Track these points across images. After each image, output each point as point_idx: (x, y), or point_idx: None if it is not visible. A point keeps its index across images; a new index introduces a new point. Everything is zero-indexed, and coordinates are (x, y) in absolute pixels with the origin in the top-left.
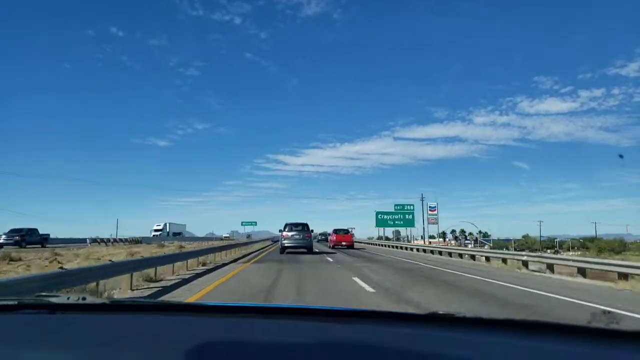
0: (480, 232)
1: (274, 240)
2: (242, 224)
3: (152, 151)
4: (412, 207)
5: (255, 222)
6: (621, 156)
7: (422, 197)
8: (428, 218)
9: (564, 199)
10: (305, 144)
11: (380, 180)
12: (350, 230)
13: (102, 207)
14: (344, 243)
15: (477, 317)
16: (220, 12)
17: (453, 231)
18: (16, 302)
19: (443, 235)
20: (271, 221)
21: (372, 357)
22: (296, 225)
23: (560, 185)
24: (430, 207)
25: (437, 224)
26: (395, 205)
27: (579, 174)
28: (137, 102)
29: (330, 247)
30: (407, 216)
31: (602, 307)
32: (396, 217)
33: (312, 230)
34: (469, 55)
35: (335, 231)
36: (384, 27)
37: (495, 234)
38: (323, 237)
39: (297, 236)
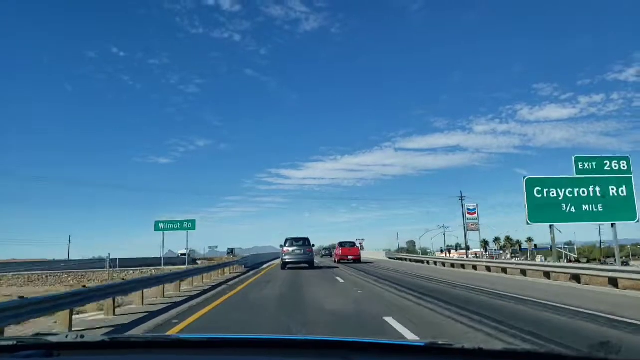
0: (528, 239)
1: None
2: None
3: (153, 169)
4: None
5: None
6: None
7: (461, 197)
8: (467, 223)
9: None
10: (306, 157)
11: (382, 192)
12: (359, 242)
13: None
14: (350, 257)
15: (477, 348)
16: (219, 30)
17: (497, 240)
18: (15, 343)
19: (485, 244)
20: (274, 236)
21: None
22: (297, 240)
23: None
24: (469, 209)
25: (478, 230)
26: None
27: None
28: (138, 121)
29: (335, 261)
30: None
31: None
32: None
33: (314, 245)
34: (468, 64)
35: (341, 244)
36: (382, 39)
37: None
38: (327, 252)
39: (298, 251)
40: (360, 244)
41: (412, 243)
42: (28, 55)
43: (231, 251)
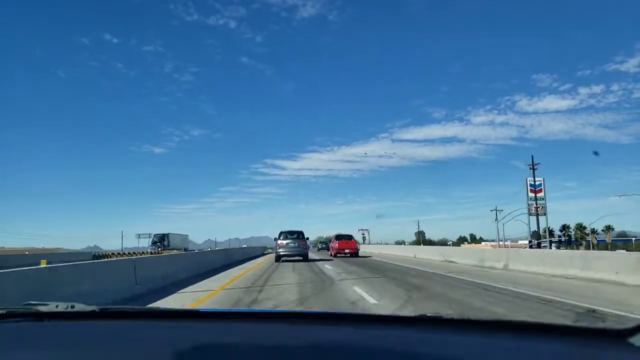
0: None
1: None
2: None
3: (148, 159)
4: None
5: None
6: (596, 153)
7: (532, 165)
8: (529, 205)
9: (563, 197)
10: (302, 147)
11: (378, 183)
12: (362, 232)
13: (100, 218)
14: (347, 251)
15: (465, 318)
16: (215, 17)
17: (565, 227)
18: (4, 312)
19: (550, 233)
20: (269, 227)
21: (363, 358)
22: (291, 233)
23: (560, 183)
24: (532, 185)
25: (545, 214)
26: None
27: (577, 171)
28: (132, 109)
29: (331, 255)
30: None
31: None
32: None
33: (308, 238)
34: (467, 54)
35: (338, 237)
36: (380, 28)
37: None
38: (323, 246)
39: (292, 244)
40: (363, 234)
41: (421, 234)
42: (20, 42)
43: (159, 240)
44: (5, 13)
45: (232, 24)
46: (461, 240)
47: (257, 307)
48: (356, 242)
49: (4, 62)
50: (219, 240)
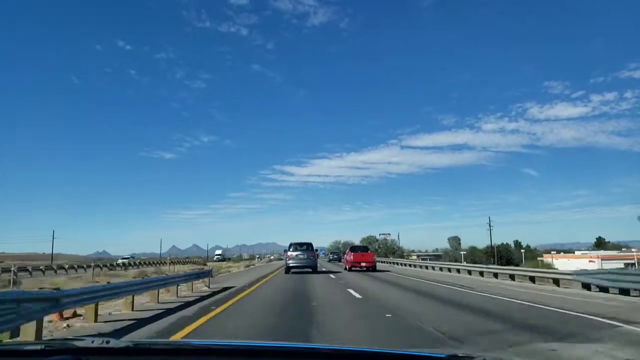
0: None
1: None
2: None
3: (159, 164)
4: None
5: None
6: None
7: None
8: None
9: (572, 205)
10: (311, 154)
11: (387, 190)
12: (384, 237)
13: (109, 224)
14: (363, 264)
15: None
16: (227, 24)
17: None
18: (43, 347)
19: None
20: (277, 233)
21: None
22: (300, 245)
23: (569, 192)
24: None
25: None
26: None
27: (588, 180)
28: (144, 115)
29: (346, 269)
30: None
31: None
32: None
33: (317, 250)
34: (478, 61)
35: (352, 249)
36: (391, 35)
37: (483, 242)
38: (335, 257)
39: (302, 256)
40: (385, 239)
41: (455, 239)
42: (35, 48)
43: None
44: (20, 19)
45: (244, 31)
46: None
47: None
48: (373, 254)
49: (17, 67)
50: (225, 246)
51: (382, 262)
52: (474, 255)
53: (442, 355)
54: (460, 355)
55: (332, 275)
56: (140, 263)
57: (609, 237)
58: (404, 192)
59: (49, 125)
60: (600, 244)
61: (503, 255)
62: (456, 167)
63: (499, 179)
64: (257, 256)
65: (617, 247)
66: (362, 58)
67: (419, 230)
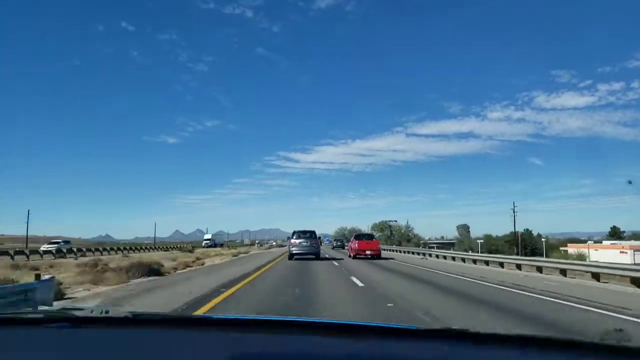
0: None
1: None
2: None
3: (162, 149)
4: None
5: None
6: (630, 182)
7: None
8: None
9: (578, 195)
10: (316, 140)
11: (391, 178)
12: (392, 222)
13: (112, 207)
14: (368, 252)
15: (492, 333)
16: (231, 5)
17: None
18: (42, 316)
19: None
20: (281, 219)
21: None
22: (304, 232)
23: (575, 181)
24: None
25: None
26: None
27: (594, 169)
28: (147, 98)
29: (350, 256)
30: None
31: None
32: None
33: (320, 237)
34: (485, 49)
35: (357, 237)
36: (397, 20)
37: (493, 231)
38: (339, 244)
39: (305, 243)
40: (393, 222)
41: (465, 227)
42: (35, 29)
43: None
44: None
45: (249, 14)
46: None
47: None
48: (378, 242)
49: (18, 51)
50: (230, 232)
51: (397, 251)
52: (489, 244)
53: (438, 328)
54: (455, 328)
55: (335, 263)
56: (76, 250)
57: (612, 226)
58: (409, 180)
59: (51, 109)
60: (615, 233)
61: (527, 244)
62: (461, 155)
63: (504, 168)
64: (257, 242)
65: (637, 236)
66: (368, 43)
67: (423, 218)
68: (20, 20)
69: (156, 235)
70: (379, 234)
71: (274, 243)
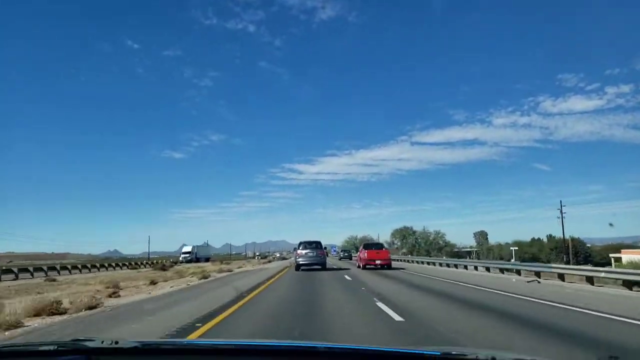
0: None
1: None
2: None
3: (168, 164)
4: None
5: None
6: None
7: None
8: None
9: (585, 201)
10: (320, 151)
11: (397, 187)
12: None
13: (120, 223)
14: (378, 262)
15: (491, 358)
16: (234, 21)
17: None
18: (55, 347)
19: None
20: (287, 231)
21: None
22: (310, 243)
23: (583, 186)
24: None
25: None
26: None
27: (602, 174)
28: (152, 114)
29: (359, 267)
30: None
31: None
32: None
33: (325, 248)
34: (489, 54)
35: (366, 246)
36: (400, 29)
37: (508, 238)
38: (346, 255)
39: (311, 254)
40: (427, 231)
41: (482, 234)
42: (41, 48)
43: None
44: (28, 17)
45: (251, 28)
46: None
47: None
48: (388, 252)
49: (23, 67)
50: (235, 244)
51: (411, 261)
52: (522, 251)
53: (437, 353)
54: (454, 353)
55: (347, 277)
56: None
57: (623, 232)
58: (414, 189)
59: (57, 126)
60: None
61: (579, 251)
62: (467, 162)
63: (511, 175)
64: (258, 254)
65: None
66: (371, 52)
67: (431, 228)
68: (23, 39)
69: (163, 249)
70: (398, 242)
71: (278, 255)
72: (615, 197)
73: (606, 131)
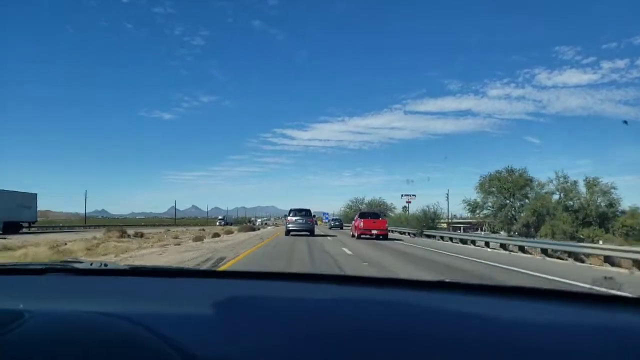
0: None
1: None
2: None
3: (157, 125)
4: None
5: None
6: (625, 122)
7: None
8: None
9: (573, 175)
10: (313, 117)
11: (388, 156)
12: (408, 199)
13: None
14: (374, 232)
15: (483, 284)
16: None
17: None
18: (44, 267)
19: None
20: (277, 196)
21: (392, 315)
22: (299, 210)
23: (571, 161)
24: None
25: None
26: None
27: (591, 149)
28: (142, 72)
29: (353, 236)
30: None
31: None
32: None
33: (314, 215)
34: (486, 24)
35: (362, 215)
36: None
37: None
38: (337, 224)
39: (301, 221)
40: (408, 202)
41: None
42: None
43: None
44: None
45: None
46: None
47: None
48: (385, 221)
49: (10, 24)
50: (225, 208)
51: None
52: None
53: (433, 280)
54: (447, 281)
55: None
56: None
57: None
58: (405, 158)
59: (45, 83)
60: None
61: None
62: (459, 133)
63: (501, 147)
64: (221, 219)
65: None
66: (367, 16)
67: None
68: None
69: (152, 211)
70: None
71: (259, 222)
72: (603, 172)
73: (598, 106)
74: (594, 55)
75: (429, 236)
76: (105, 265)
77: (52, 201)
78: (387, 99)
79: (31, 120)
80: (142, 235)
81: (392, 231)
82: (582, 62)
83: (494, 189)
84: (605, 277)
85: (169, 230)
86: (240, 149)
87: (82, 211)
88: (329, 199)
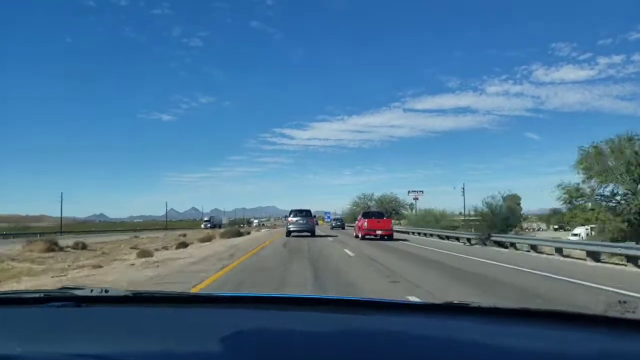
0: None
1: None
2: None
3: (157, 126)
4: None
5: None
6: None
7: None
8: None
9: (573, 170)
10: (312, 117)
11: (388, 154)
12: (415, 196)
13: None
14: (378, 232)
15: (493, 307)
16: None
17: None
18: (42, 295)
19: None
20: (277, 196)
21: (392, 344)
22: (300, 211)
23: (571, 155)
24: None
25: None
26: None
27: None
28: (141, 75)
29: (357, 236)
30: None
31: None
32: None
33: (315, 216)
34: (484, 20)
35: (366, 215)
36: None
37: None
38: (338, 224)
39: (301, 221)
40: (415, 198)
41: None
42: (26, 6)
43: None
44: None
45: None
46: None
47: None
48: (390, 221)
49: (7, 27)
50: (226, 209)
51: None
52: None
53: (439, 303)
54: (456, 302)
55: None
56: None
57: None
58: (405, 156)
59: (44, 88)
60: None
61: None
62: (459, 130)
63: (501, 143)
64: (207, 220)
65: None
66: (365, 15)
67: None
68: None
69: (150, 213)
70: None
71: (256, 222)
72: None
73: (596, 102)
74: (590, 52)
75: (500, 244)
76: (107, 291)
77: (48, 206)
78: (385, 97)
79: (27, 123)
80: (84, 247)
81: (429, 235)
82: (578, 58)
83: (620, 166)
84: (620, 301)
85: (136, 237)
86: (239, 149)
87: (79, 215)
88: (329, 198)
